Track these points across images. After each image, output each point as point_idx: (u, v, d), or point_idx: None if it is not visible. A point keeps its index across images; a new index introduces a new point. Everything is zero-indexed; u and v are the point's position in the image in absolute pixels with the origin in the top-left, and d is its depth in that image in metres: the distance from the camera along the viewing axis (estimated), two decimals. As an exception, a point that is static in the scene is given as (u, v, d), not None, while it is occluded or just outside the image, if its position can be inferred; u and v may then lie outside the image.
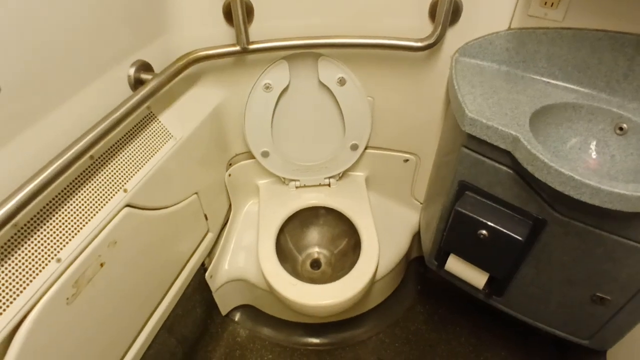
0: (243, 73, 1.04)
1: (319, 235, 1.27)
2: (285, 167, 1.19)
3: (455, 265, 0.99)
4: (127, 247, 0.82)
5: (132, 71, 0.84)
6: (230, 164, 1.22)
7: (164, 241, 0.95)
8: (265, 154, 1.15)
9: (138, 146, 0.85)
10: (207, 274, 1.16)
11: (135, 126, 0.86)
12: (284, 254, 1.18)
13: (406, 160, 1.23)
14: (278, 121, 1.12)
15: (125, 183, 0.81)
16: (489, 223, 0.83)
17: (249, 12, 0.94)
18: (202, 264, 1.18)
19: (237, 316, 1.34)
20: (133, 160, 0.84)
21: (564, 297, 0.90)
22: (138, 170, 0.84)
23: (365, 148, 1.20)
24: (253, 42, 0.95)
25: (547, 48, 0.87)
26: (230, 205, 1.26)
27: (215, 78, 1.04)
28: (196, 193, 1.06)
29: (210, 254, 1.20)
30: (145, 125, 0.88)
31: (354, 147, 1.16)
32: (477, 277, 0.96)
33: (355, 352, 1.26)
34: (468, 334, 1.30)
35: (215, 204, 1.19)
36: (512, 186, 0.82)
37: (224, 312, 1.31)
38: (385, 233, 1.24)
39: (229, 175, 1.20)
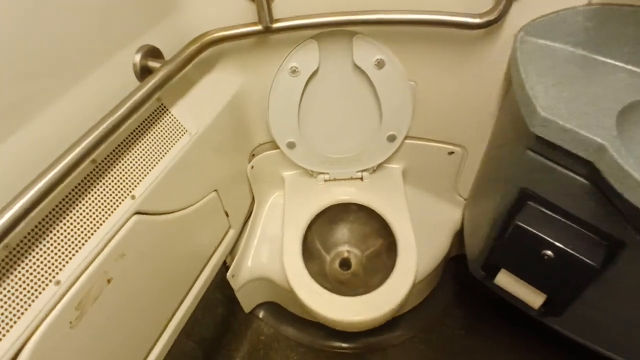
0: (266, 55, 0.91)
1: (349, 232, 1.16)
2: (313, 159, 1.07)
3: (507, 281, 0.86)
4: (137, 258, 0.74)
5: (137, 58, 0.73)
6: (253, 155, 1.11)
7: (179, 245, 0.87)
8: (291, 145, 1.03)
9: (147, 145, 0.75)
10: (228, 274, 1.08)
11: (143, 122, 0.76)
12: (310, 253, 1.09)
13: (451, 153, 1.08)
14: (305, 109, 0.99)
15: (133, 188, 0.72)
16: (557, 243, 0.70)
17: (272, -15, 0.80)
18: (224, 262, 1.10)
19: (261, 313, 1.27)
20: (142, 162, 0.74)
21: (637, 324, 0.77)
22: (148, 173, 0.74)
23: (404, 139, 1.06)
24: (277, 20, 0.81)
25: (636, 29, 0.69)
26: (253, 199, 1.16)
27: (234, 61, 0.91)
28: (215, 190, 0.97)
29: (232, 251, 1.12)
30: (156, 120, 0.78)
31: (392, 139, 1.02)
32: (532, 297, 0.84)
33: (385, 358, 1.18)
34: (508, 343, 1.19)
35: (237, 199, 1.09)
36: (587, 200, 0.67)
37: (247, 309, 1.24)
38: (423, 231, 1.11)
39: (252, 167, 1.09)
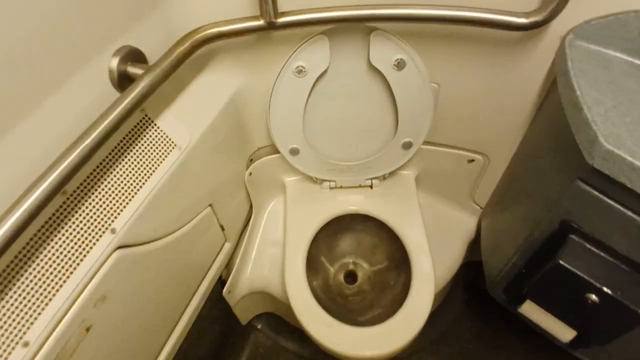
0: (268, 52, 0.78)
1: (355, 242, 1.07)
2: (319, 166, 0.96)
3: (534, 312, 0.78)
4: (121, 297, 0.64)
5: (114, 63, 0.60)
6: (252, 160, 0.99)
7: (169, 271, 0.77)
8: (294, 152, 0.92)
9: (129, 166, 0.64)
10: (225, 290, 0.99)
11: (123, 139, 0.64)
12: (312, 264, 0.99)
13: (471, 161, 0.98)
14: (311, 112, 0.87)
15: (113, 220, 0.61)
16: (604, 288, 0.61)
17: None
18: (219, 277, 1.01)
19: (259, 324, 1.19)
20: (123, 187, 0.63)
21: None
22: (131, 200, 0.63)
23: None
24: (283, 14, 0.68)
25: None
26: (251, 206, 1.05)
27: (230, 59, 0.78)
28: (210, 205, 0.86)
29: (228, 264, 1.02)
30: (139, 136, 0.66)
31: (407, 146, 0.91)
32: (562, 331, 0.76)
33: (392, 373, 1.12)
34: (522, 355, 1.13)
35: (233, 209, 0.99)
36: (645, 242, 0.58)
37: (244, 321, 1.16)
38: (436, 240, 1.02)
39: (250, 174, 0.98)
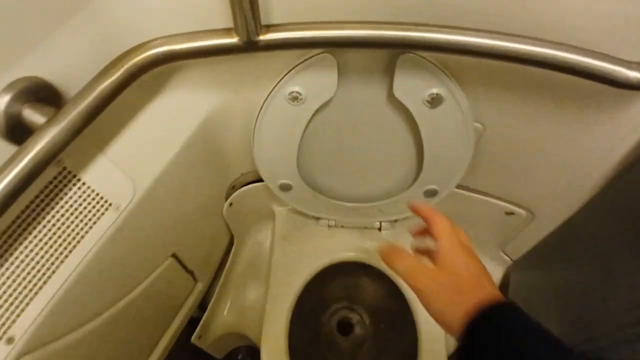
0: (251, 69, 0.56)
1: (352, 288, 0.89)
2: (316, 204, 0.76)
3: None
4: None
5: (2, 104, 0.39)
6: (234, 187, 0.79)
7: (117, 336, 0.61)
8: (285, 187, 0.72)
9: (32, 249, 0.45)
10: (194, 337, 0.84)
11: (24, 212, 0.44)
12: (300, 312, 0.83)
13: (510, 213, 0.77)
14: (309, 141, 0.66)
15: (9, 325, 0.43)
16: None
17: (263, -39, 0.43)
18: (190, 318, 0.85)
19: (240, 354, 1.05)
20: (21, 282, 0.44)
21: None
22: (35, 295, 0.45)
23: (448, 190, 0.74)
24: (269, 29, 0.45)
25: None
26: (231, 237, 0.87)
27: (200, 75, 0.56)
28: (173, 255, 0.68)
29: (201, 303, 0.86)
30: (51, 201, 0.46)
31: (431, 194, 0.71)
32: None
33: None
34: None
35: (207, 249, 0.81)
36: None
37: (220, 355, 1.02)
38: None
39: (230, 204, 0.79)
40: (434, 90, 0.54)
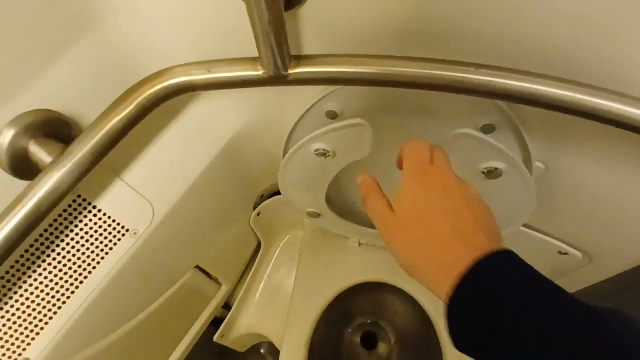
0: (282, 93, 0.51)
1: (379, 306, 0.85)
2: (347, 229, 0.71)
3: None
4: None
5: (7, 139, 0.37)
6: (262, 196, 0.76)
7: (136, 347, 0.61)
8: (314, 215, 0.67)
9: (47, 276, 0.44)
10: (216, 336, 0.84)
11: (39, 240, 0.43)
12: (323, 325, 0.81)
13: (563, 254, 0.68)
14: (338, 174, 0.60)
15: (25, 348, 0.43)
16: None
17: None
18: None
19: (262, 348, 1.06)
20: (37, 306, 0.44)
21: None
22: (50, 319, 0.45)
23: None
24: (300, 61, 0.39)
25: None
26: (258, 243, 0.85)
27: (226, 94, 0.51)
28: (197, 266, 0.66)
29: (226, 303, 0.86)
30: (68, 228, 0.45)
31: None
32: None
33: None
34: None
35: (231, 257, 0.79)
36: None
37: (242, 349, 1.03)
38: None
39: (258, 214, 0.76)
40: (491, 165, 0.46)
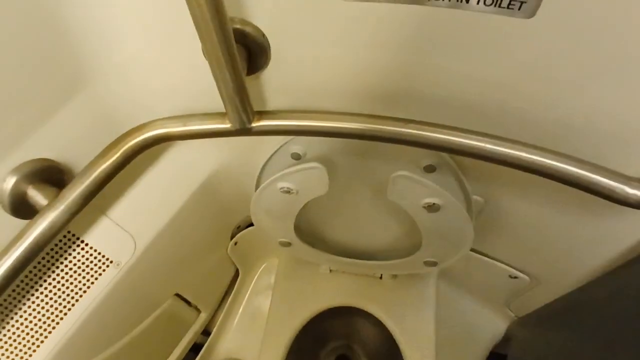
0: (246, 147, 0.58)
1: (351, 330, 0.90)
2: (317, 257, 0.77)
3: None
4: None
5: (9, 185, 0.43)
6: (239, 227, 0.82)
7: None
8: (285, 244, 0.73)
9: (35, 308, 0.49)
10: (195, 362, 0.88)
11: (31, 272, 0.48)
12: (297, 349, 0.85)
13: (513, 277, 0.75)
14: (306, 207, 0.67)
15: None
16: None
17: (257, 55, 0.44)
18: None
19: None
20: (24, 336, 0.49)
21: None
22: (38, 347, 0.49)
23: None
24: (262, 115, 0.46)
25: None
26: (236, 271, 0.90)
27: (202, 140, 0.58)
28: (176, 294, 0.72)
29: (206, 328, 0.90)
30: (58, 260, 0.50)
31: (430, 264, 0.70)
32: None
33: None
34: None
35: (211, 283, 0.84)
36: None
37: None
38: (451, 343, 0.85)
39: (235, 243, 0.81)
40: (430, 200, 0.54)
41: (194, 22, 0.34)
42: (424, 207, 0.54)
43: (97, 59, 0.43)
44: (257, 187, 0.63)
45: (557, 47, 0.36)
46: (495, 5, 0.34)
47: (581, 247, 0.58)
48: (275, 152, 0.59)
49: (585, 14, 0.33)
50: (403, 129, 0.44)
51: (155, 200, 0.58)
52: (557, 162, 0.41)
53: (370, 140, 0.46)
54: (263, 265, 0.96)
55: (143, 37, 0.43)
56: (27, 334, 0.49)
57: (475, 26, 0.36)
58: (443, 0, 0.35)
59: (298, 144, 0.58)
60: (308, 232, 0.73)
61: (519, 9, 0.34)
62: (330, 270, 0.84)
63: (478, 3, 0.34)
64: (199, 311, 0.83)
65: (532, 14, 0.34)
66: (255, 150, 0.60)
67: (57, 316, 0.51)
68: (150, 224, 0.58)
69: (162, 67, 0.46)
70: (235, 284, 0.91)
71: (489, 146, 0.42)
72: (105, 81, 0.46)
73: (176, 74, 0.47)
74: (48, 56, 0.40)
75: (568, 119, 0.42)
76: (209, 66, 0.38)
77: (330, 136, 0.47)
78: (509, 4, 0.34)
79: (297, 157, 0.59)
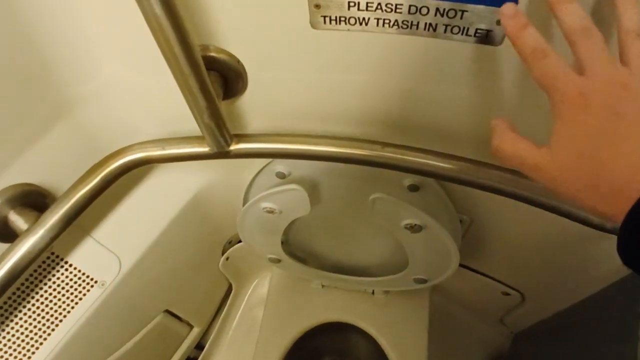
0: (228, 171, 0.58)
1: (344, 345, 0.90)
2: (307, 273, 0.77)
3: None
4: None
5: (-10, 211, 0.44)
6: (231, 242, 0.82)
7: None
8: (275, 260, 0.73)
9: (18, 329, 0.50)
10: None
11: (15, 294, 0.49)
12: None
13: (506, 294, 0.74)
14: (293, 225, 0.67)
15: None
16: None
17: (233, 80, 0.44)
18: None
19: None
20: (11, 354, 0.49)
21: None
22: (20, 369, 0.50)
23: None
24: (240, 138, 0.46)
25: None
26: (230, 285, 0.90)
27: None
28: (166, 310, 0.72)
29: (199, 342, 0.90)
30: (42, 281, 0.51)
31: (420, 281, 0.69)
32: None
33: None
34: None
35: (203, 298, 0.84)
36: None
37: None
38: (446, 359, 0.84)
39: (227, 258, 0.82)
40: (410, 221, 0.53)
41: (162, 54, 0.34)
42: (406, 227, 0.53)
43: (76, 85, 0.44)
44: (244, 204, 0.64)
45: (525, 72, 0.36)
46: (463, 34, 0.34)
47: (570, 266, 0.57)
48: (261, 170, 0.59)
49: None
50: (379, 152, 0.44)
51: (141, 220, 0.58)
52: (534, 192, 0.41)
53: (346, 162, 0.46)
54: (257, 279, 0.96)
55: (120, 62, 0.43)
56: (11, 354, 0.49)
57: (447, 52, 0.36)
58: (410, 28, 0.35)
59: (282, 164, 0.58)
60: (297, 248, 0.73)
61: (486, 37, 0.34)
62: (323, 286, 0.84)
63: (445, 32, 0.34)
64: (191, 326, 0.83)
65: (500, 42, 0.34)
66: (241, 167, 0.61)
67: (40, 337, 0.51)
68: (135, 243, 0.58)
69: (141, 91, 0.47)
70: (229, 297, 0.92)
71: (464, 170, 0.42)
72: (85, 107, 0.47)
73: (156, 97, 0.47)
74: (28, 85, 0.41)
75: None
76: (182, 94, 0.38)
77: (307, 159, 0.47)
78: (475, 32, 0.34)
79: (281, 176, 0.59)
